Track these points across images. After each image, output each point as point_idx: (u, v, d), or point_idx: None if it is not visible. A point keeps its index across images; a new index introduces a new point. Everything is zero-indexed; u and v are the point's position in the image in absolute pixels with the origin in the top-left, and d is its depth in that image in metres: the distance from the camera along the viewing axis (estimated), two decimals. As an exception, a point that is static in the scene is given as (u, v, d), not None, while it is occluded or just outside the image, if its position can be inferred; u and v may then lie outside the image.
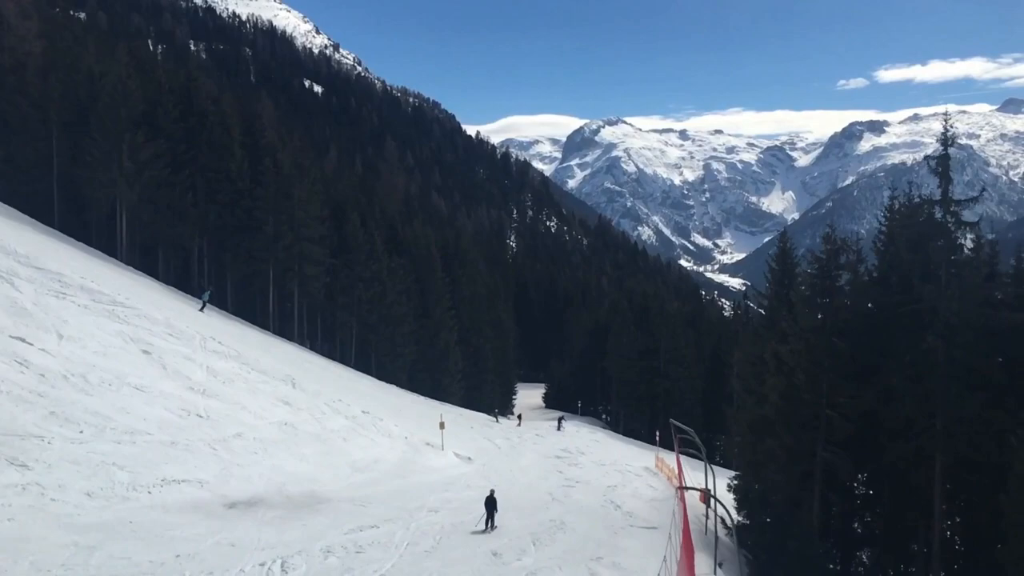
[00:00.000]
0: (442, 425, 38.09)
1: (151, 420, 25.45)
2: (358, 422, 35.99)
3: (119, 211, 50.40)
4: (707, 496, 39.28)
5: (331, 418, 34.80)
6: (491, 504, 25.11)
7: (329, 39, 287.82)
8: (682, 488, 28.13)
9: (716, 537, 23.51)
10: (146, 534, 19.35)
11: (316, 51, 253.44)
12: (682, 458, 38.84)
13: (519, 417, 67.66)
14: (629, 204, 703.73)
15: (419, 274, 68.10)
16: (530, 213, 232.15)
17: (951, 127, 24.67)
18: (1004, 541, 21.13)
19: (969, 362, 23.49)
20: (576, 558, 22.57)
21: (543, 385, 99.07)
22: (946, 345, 23.62)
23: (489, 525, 25.01)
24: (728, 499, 35.87)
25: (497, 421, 61.75)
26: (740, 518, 33.48)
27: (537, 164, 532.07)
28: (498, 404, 75.61)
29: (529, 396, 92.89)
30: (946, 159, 24.14)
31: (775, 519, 27.88)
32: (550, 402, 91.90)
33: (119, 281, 40.12)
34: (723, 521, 36.38)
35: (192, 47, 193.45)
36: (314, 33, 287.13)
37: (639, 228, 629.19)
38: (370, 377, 57.20)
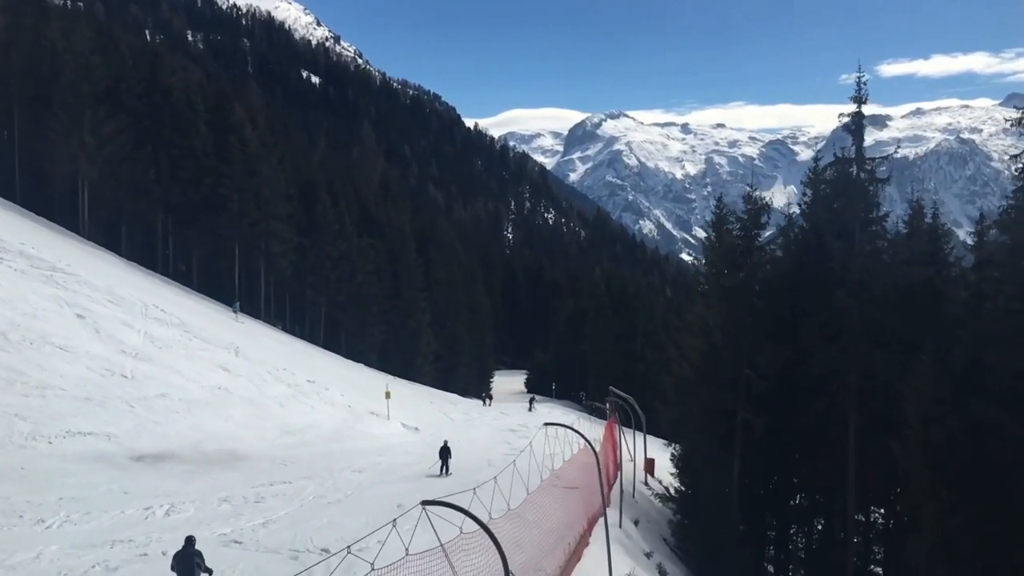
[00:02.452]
0: (387, 395, 37.95)
1: (68, 377, 25.48)
2: (300, 390, 35.95)
3: (80, 186, 50.48)
4: (650, 465, 39.49)
5: (271, 385, 34.78)
6: (445, 453, 27.66)
7: (330, 31, 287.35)
8: (612, 423, 28.77)
9: (621, 492, 23.48)
10: (36, 479, 19.36)
11: (315, 43, 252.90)
12: (629, 432, 39.02)
13: (489, 398, 67.57)
14: (631, 198, 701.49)
15: (392, 255, 67.99)
16: (528, 205, 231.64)
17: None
18: (904, 490, 21.07)
19: (881, 319, 23.37)
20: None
21: (527, 372, 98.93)
22: (858, 302, 23.50)
23: (444, 471, 27.24)
24: (670, 468, 35.93)
25: (484, 404, 61.49)
26: (678, 484, 33.50)
27: (539, 157, 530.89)
28: (474, 387, 75.48)
29: (512, 382, 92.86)
30: (860, 116, 24.02)
31: (696, 481, 27.85)
32: (531, 387, 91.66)
33: (65, 250, 40.14)
34: (667, 490, 36.52)
35: (190, 37, 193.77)
36: (315, 25, 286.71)
37: (640, 222, 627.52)
38: (334, 354, 57.09)
